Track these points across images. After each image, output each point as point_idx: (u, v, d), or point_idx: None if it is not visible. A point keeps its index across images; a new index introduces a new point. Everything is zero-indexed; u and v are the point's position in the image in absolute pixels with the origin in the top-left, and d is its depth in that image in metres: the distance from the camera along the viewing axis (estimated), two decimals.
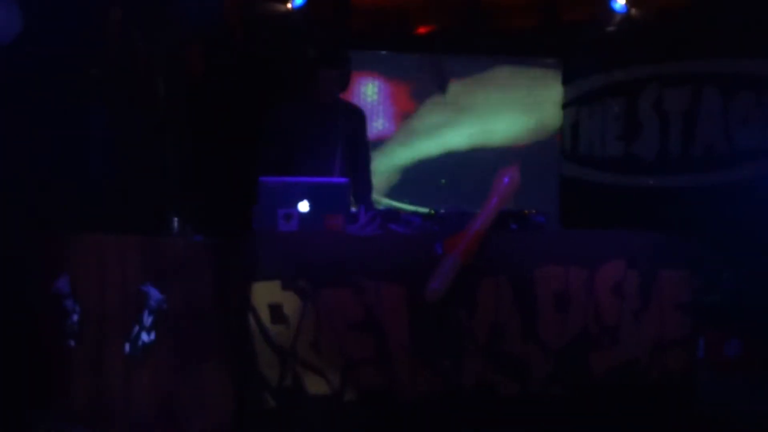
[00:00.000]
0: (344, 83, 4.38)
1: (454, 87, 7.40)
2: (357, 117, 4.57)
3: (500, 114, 7.44)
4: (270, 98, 4.70)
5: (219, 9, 5.70)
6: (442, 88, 7.33)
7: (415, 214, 3.68)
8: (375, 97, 7.20)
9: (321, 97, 4.33)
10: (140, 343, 3.28)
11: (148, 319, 3.27)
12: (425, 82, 7.36)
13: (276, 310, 3.19)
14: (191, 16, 5.40)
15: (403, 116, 7.36)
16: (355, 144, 4.49)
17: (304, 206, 3.38)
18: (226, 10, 5.81)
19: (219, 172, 5.67)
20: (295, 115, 4.37)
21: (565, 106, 7.31)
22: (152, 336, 3.27)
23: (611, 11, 6.10)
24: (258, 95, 5.54)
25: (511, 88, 7.46)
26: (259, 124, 4.51)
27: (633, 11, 6.09)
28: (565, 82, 7.33)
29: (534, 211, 3.72)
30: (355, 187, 4.21)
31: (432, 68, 7.35)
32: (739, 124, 5.66)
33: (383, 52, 7.30)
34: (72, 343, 3.44)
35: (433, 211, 3.67)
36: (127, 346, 3.30)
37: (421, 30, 6.94)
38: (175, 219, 3.68)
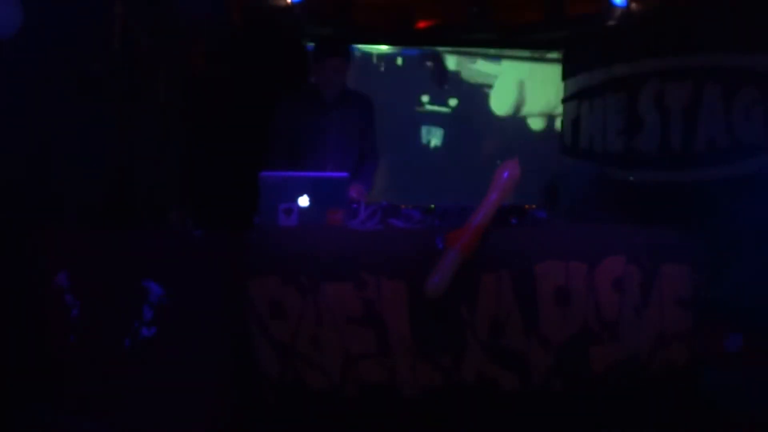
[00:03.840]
0: (347, 71, 4.39)
1: (454, 82, 7.41)
2: (364, 105, 4.57)
3: (501, 107, 7.46)
4: (271, 93, 4.69)
5: (221, 4, 5.70)
6: (442, 82, 7.34)
7: (415, 208, 3.69)
8: None
9: (328, 86, 4.33)
10: (140, 338, 3.28)
11: (148, 314, 3.27)
12: (426, 77, 7.38)
13: (276, 306, 3.20)
14: (193, 10, 5.40)
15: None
16: (363, 132, 4.50)
17: (304, 201, 3.38)
18: (228, 4, 5.81)
19: (219, 167, 5.67)
20: (303, 108, 4.38)
21: (566, 100, 7.30)
22: (152, 331, 3.28)
23: (612, 5, 6.08)
24: (259, 90, 5.54)
25: (511, 82, 7.48)
26: (261, 119, 4.51)
27: (634, 5, 6.07)
28: (566, 76, 7.32)
29: (535, 206, 3.72)
30: (356, 175, 4.28)
31: (433, 62, 7.36)
32: (741, 119, 5.64)
33: (384, 47, 7.31)
34: (72, 337, 3.43)
35: (433, 206, 3.67)
36: (127, 341, 3.30)
37: (423, 24, 6.93)
38: (176, 214, 3.68)
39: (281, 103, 4.47)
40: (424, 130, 7.42)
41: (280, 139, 4.39)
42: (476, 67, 7.48)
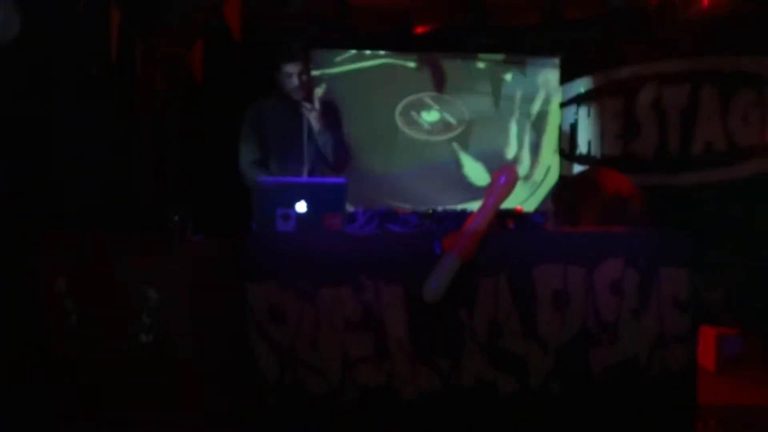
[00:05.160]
0: (305, 80, 4.42)
1: (452, 86, 7.43)
2: (330, 106, 4.60)
3: (499, 113, 7.47)
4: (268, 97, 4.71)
5: (218, 8, 5.71)
6: (440, 87, 7.35)
7: (412, 213, 3.70)
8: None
9: (292, 90, 4.38)
10: (139, 343, 3.29)
11: (146, 320, 3.28)
12: (424, 82, 7.39)
13: (274, 310, 3.20)
14: (191, 15, 5.41)
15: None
16: (328, 137, 4.50)
17: (301, 206, 3.38)
18: (226, 9, 5.82)
19: (218, 171, 5.68)
20: (268, 113, 4.42)
21: (564, 105, 7.32)
22: (151, 337, 3.28)
23: (610, 9, 6.10)
24: (257, 94, 5.55)
25: (509, 86, 7.49)
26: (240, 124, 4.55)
27: (631, 10, 6.09)
28: (563, 81, 7.34)
29: (533, 211, 3.73)
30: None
31: (431, 67, 7.38)
32: (738, 122, 5.66)
33: (382, 52, 7.33)
34: (71, 343, 3.44)
35: (431, 211, 3.68)
36: (126, 347, 3.30)
37: (421, 29, 6.95)
38: (174, 218, 3.68)
39: (251, 109, 4.51)
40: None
41: (254, 144, 4.42)
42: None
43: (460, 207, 6.45)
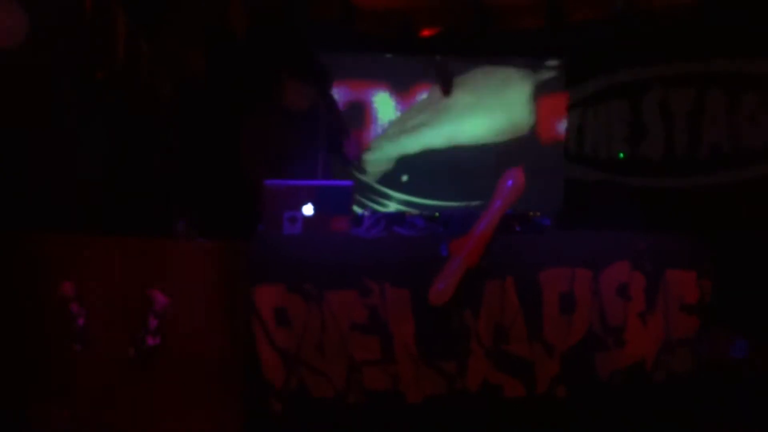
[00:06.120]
0: (313, 96, 4.36)
1: (459, 88, 7.41)
2: (330, 103, 4.54)
3: (504, 115, 7.46)
4: (271, 100, 4.70)
5: (222, 12, 5.71)
6: (447, 89, 7.34)
7: (419, 216, 3.69)
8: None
9: (287, 105, 4.33)
10: (146, 346, 3.29)
11: (153, 323, 3.28)
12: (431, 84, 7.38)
13: (281, 313, 3.20)
14: (194, 18, 5.41)
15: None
16: (335, 130, 4.47)
17: (308, 209, 3.38)
18: (229, 12, 5.81)
19: (224, 174, 5.67)
20: (273, 120, 4.38)
21: (570, 107, 7.30)
22: (157, 339, 3.28)
23: (614, 12, 6.08)
24: (261, 97, 5.56)
25: (514, 89, 7.48)
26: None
27: (636, 12, 6.07)
28: (570, 83, 7.32)
29: (538, 214, 3.72)
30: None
31: (437, 70, 7.37)
32: (745, 124, 5.64)
33: (388, 55, 7.32)
34: (78, 346, 3.44)
35: (437, 214, 3.67)
36: (132, 350, 3.31)
37: (426, 32, 6.93)
38: (181, 222, 3.68)
39: (252, 117, 4.47)
40: None
41: (258, 148, 4.37)
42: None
43: (466, 210, 6.45)
